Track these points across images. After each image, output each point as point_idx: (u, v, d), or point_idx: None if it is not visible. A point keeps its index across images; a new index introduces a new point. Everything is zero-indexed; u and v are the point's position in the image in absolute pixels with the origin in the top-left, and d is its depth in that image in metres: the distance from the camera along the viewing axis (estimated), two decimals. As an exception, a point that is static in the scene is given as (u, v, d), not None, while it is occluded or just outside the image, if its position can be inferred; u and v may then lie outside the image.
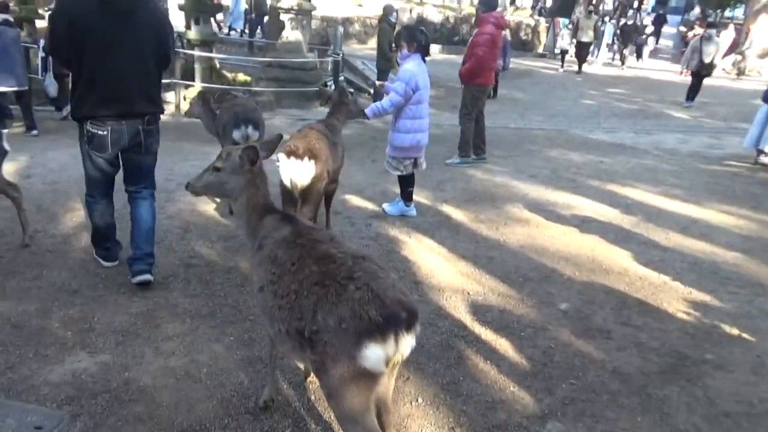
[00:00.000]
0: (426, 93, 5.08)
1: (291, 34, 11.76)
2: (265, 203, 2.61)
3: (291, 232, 2.35)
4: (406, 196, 5.37)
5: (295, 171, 3.87)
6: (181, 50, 11.36)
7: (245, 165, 2.54)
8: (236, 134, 4.82)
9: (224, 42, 18.00)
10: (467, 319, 3.64)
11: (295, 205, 4.05)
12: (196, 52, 11.05)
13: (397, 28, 9.13)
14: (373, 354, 1.88)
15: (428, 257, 4.54)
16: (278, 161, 3.95)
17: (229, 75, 12.94)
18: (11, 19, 8.61)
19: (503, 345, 3.38)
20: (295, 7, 11.49)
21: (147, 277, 3.79)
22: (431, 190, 6.25)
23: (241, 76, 13.08)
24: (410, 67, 4.91)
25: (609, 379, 3.10)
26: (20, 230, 4.45)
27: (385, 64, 11.02)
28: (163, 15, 4.00)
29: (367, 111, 5.03)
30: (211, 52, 11.75)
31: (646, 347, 3.42)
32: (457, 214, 5.57)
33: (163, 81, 10.62)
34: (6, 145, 4.28)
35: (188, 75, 11.27)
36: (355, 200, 5.83)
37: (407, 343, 1.94)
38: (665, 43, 26.70)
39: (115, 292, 3.79)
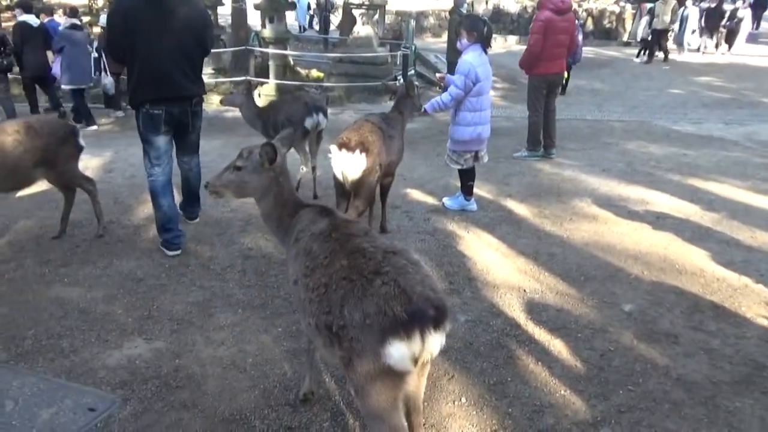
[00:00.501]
0: (487, 84, 4.93)
1: (362, 29, 11.83)
2: (294, 199, 2.61)
3: (327, 225, 2.32)
4: (467, 191, 5.24)
5: (346, 163, 3.85)
6: (256, 48, 11.71)
7: (265, 163, 2.53)
8: (309, 122, 5.15)
9: (300, 39, 18.42)
10: (521, 318, 3.49)
11: (347, 198, 4.04)
12: (271, 50, 11.33)
13: None
14: (396, 351, 1.81)
15: (486, 253, 4.40)
16: (330, 153, 3.95)
17: (303, 72, 13.22)
18: (79, 23, 9.24)
19: (557, 346, 3.21)
20: (366, 3, 11.56)
21: (197, 219, 4.92)
22: (495, 184, 6.07)
23: (315, 73, 13.32)
24: (469, 58, 4.77)
25: (672, 388, 2.87)
26: (96, 222, 4.72)
27: (456, 56, 10.75)
28: (203, 10, 4.37)
29: (427, 107, 4.95)
30: (285, 49, 12.04)
31: (718, 354, 3.14)
32: (520, 209, 5.37)
33: (237, 78, 11.12)
34: (81, 142, 4.53)
35: (263, 72, 11.60)
36: (416, 194, 5.76)
37: (435, 341, 1.85)
38: None
39: (175, 281, 3.94)
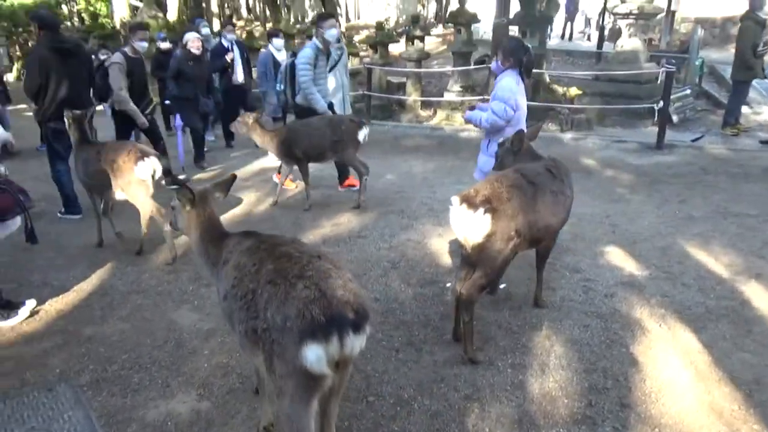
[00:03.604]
0: (521, 115, 4.17)
1: (627, 42, 10.17)
2: (220, 233, 2.64)
3: (255, 241, 2.36)
4: None
5: (465, 223, 2.97)
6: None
7: (186, 205, 2.66)
8: (362, 134, 5.67)
9: (573, 54, 16.98)
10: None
11: (472, 265, 3.12)
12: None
13: None
14: (313, 354, 1.84)
15: (670, 366, 3.02)
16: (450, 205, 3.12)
17: (560, 89, 12.03)
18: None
19: None
20: (635, 11, 9.85)
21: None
22: (743, 255, 4.30)
23: (573, 91, 12.01)
24: (509, 84, 4.05)
25: None
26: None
27: (745, 74, 8.42)
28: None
29: (466, 115, 4.36)
30: (540, 66, 11.04)
31: None
32: (765, 299, 3.68)
33: (481, 96, 10.62)
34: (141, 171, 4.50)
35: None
36: (614, 255, 4.41)
37: (354, 344, 1.89)
38: None
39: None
